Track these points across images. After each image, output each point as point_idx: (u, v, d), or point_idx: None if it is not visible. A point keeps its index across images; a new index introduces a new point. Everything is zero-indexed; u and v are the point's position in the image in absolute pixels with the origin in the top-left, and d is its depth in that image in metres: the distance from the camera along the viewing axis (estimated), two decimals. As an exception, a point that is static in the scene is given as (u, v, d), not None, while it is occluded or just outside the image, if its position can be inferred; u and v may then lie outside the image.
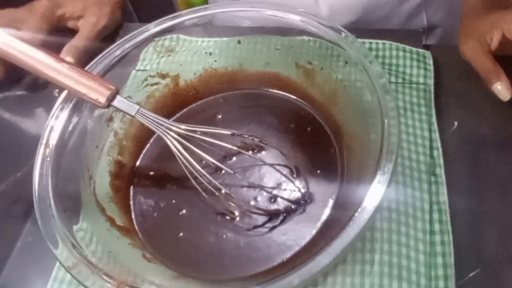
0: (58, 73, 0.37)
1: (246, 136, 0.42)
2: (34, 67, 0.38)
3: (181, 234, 0.41)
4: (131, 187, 0.44)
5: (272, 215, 0.40)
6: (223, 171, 0.43)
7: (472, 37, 0.46)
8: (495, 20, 0.45)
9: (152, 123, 0.39)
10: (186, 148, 0.39)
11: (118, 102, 0.38)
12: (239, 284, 0.38)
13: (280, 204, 0.41)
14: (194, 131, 0.40)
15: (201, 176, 0.39)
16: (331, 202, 0.40)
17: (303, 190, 0.41)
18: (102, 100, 0.38)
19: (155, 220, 0.42)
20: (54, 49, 0.50)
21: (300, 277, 0.29)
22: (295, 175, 0.42)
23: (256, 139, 0.43)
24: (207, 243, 0.40)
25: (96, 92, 0.38)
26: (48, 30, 0.53)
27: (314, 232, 0.39)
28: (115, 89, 0.38)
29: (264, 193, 0.41)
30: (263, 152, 0.44)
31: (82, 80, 0.38)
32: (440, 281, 0.37)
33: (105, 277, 0.31)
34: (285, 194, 0.41)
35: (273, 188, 0.42)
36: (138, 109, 0.39)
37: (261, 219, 0.40)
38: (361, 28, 0.59)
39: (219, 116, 0.48)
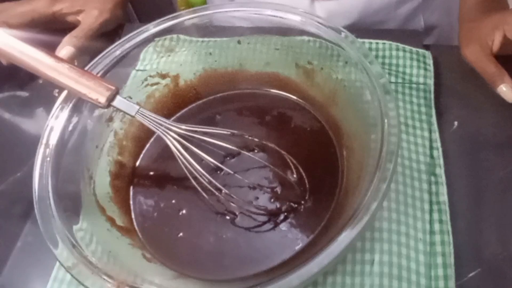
0: (58, 73, 0.37)
1: (246, 136, 0.42)
2: (34, 67, 0.38)
3: (181, 234, 0.40)
4: (131, 187, 0.44)
5: (272, 215, 0.40)
6: (223, 171, 0.43)
7: (473, 41, 0.46)
8: (496, 22, 0.45)
9: (152, 123, 0.39)
10: (186, 148, 0.39)
11: (118, 102, 0.38)
12: (239, 284, 0.38)
13: (280, 204, 0.41)
14: (194, 131, 0.40)
15: (201, 176, 0.39)
16: (331, 202, 0.40)
17: (303, 190, 0.41)
18: (102, 100, 0.38)
19: (155, 220, 0.42)
20: (53, 49, 0.50)
21: (300, 277, 0.29)
22: (294, 175, 0.42)
23: (256, 139, 0.43)
24: (207, 243, 0.40)
25: (96, 92, 0.37)
26: (44, 22, 0.53)
27: (314, 232, 0.39)
28: (115, 89, 0.38)
29: (264, 193, 0.41)
30: (263, 152, 0.44)
31: (82, 80, 0.38)
32: (440, 281, 0.37)
33: (105, 277, 0.31)
34: (285, 194, 0.41)
35: (273, 188, 0.42)
36: (138, 109, 0.39)
37: (261, 219, 0.40)
38: (361, 28, 0.59)
39: (219, 116, 0.48)
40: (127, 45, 0.43)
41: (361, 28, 0.60)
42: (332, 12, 0.59)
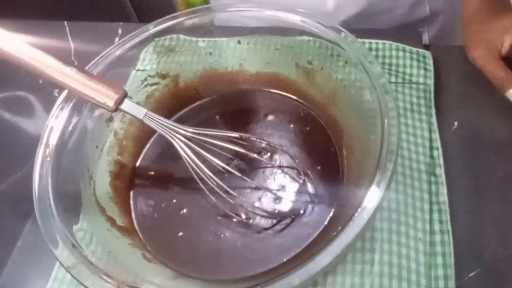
0: (66, 77, 0.37)
1: (253, 138, 0.42)
2: (42, 71, 0.37)
3: (181, 234, 0.40)
4: (131, 187, 0.44)
5: (274, 217, 0.40)
6: (228, 173, 0.42)
7: (481, 44, 0.46)
8: (506, 25, 0.45)
9: (160, 126, 0.39)
10: (193, 151, 0.39)
11: (126, 105, 0.38)
12: (240, 284, 0.38)
13: (283, 206, 0.41)
14: (202, 134, 0.40)
15: (208, 178, 0.39)
16: (331, 202, 0.40)
17: (304, 192, 0.41)
18: (110, 103, 0.37)
19: (155, 220, 0.42)
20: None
21: (300, 277, 0.29)
22: (296, 177, 0.42)
23: (263, 142, 0.43)
24: (207, 243, 0.40)
25: (104, 95, 0.37)
26: None
27: (314, 232, 0.39)
28: (123, 92, 0.38)
29: (267, 195, 0.41)
30: (268, 155, 0.44)
31: (90, 83, 0.37)
32: (440, 281, 0.37)
33: (105, 277, 0.31)
34: (288, 196, 0.41)
35: (276, 190, 0.42)
36: (146, 113, 0.39)
37: (263, 220, 0.40)
38: (361, 28, 0.59)
39: (219, 117, 0.48)
40: (127, 45, 0.43)
41: (367, 17, 0.60)
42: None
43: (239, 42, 0.48)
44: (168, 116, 0.48)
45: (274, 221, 0.40)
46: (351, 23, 0.60)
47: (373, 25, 0.61)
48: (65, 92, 0.39)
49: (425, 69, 0.50)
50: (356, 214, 0.30)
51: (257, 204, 0.41)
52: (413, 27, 0.63)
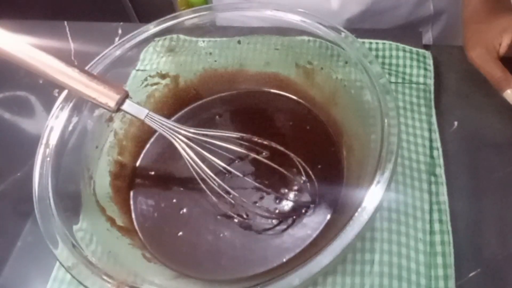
0: (67, 77, 0.37)
1: (254, 138, 0.42)
2: (44, 71, 0.37)
3: (181, 234, 0.40)
4: (131, 187, 0.44)
5: (274, 217, 0.40)
6: (229, 174, 0.42)
7: (479, 44, 0.46)
8: (505, 25, 0.45)
9: (161, 126, 0.39)
10: (194, 151, 0.39)
11: (128, 106, 0.38)
12: (240, 284, 0.38)
13: (284, 206, 0.41)
14: (203, 135, 0.40)
15: (209, 178, 0.39)
16: (331, 202, 0.40)
17: (305, 192, 0.41)
18: (112, 104, 0.37)
19: (155, 220, 0.42)
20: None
21: (300, 277, 0.29)
22: (296, 177, 0.42)
23: (264, 142, 0.43)
24: (207, 243, 0.40)
25: (106, 96, 0.37)
26: None
27: (314, 233, 0.39)
28: (124, 93, 0.38)
29: (268, 195, 0.41)
30: (267, 154, 0.44)
31: (91, 84, 0.37)
32: (440, 281, 0.37)
33: (105, 277, 0.31)
34: (290, 197, 0.41)
35: (278, 190, 0.42)
36: (147, 113, 0.39)
37: (263, 220, 0.40)
38: (362, 27, 0.59)
39: (219, 117, 0.48)
40: (127, 45, 0.43)
41: (372, 16, 0.60)
42: None
43: (239, 42, 0.48)
44: (168, 116, 0.48)
45: (275, 222, 0.40)
46: (355, 21, 0.60)
47: (378, 24, 0.61)
48: (65, 92, 0.39)
49: (425, 69, 0.50)
50: (356, 214, 0.30)
51: (257, 204, 0.41)
52: (416, 26, 0.63)
